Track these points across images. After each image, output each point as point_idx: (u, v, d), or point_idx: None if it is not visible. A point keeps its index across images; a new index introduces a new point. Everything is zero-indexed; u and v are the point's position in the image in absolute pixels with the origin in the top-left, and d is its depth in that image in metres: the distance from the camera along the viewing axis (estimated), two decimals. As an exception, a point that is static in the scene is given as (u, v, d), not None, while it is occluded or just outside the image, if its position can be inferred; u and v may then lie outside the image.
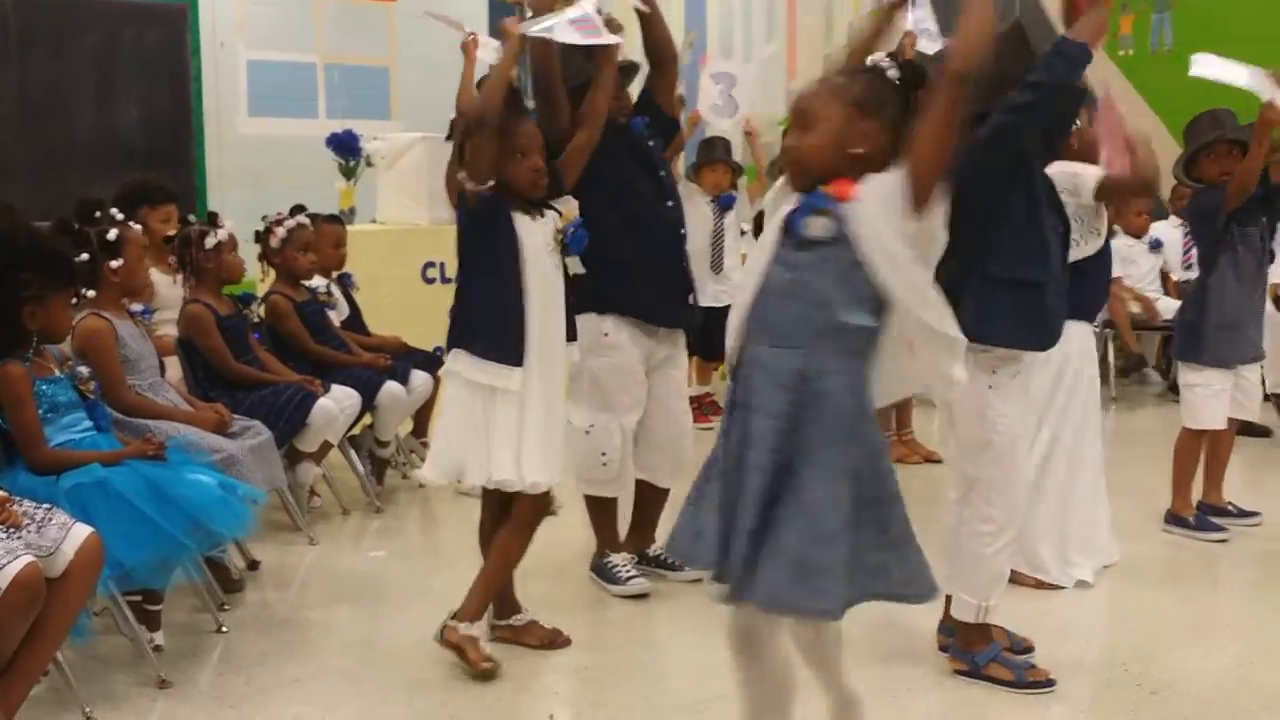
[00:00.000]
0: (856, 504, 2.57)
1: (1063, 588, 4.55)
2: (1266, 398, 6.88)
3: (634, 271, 4.36)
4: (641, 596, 4.48)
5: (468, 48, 3.85)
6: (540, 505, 3.86)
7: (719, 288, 7.08)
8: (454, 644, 3.78)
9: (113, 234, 4.27)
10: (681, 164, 7.66)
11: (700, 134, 7.70)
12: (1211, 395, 5.19)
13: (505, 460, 3.73)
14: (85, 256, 4.06)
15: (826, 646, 2.77)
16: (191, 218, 5.36)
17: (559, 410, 3.92)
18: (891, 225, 2.60)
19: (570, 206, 3.89)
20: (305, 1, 10.53)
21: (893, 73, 2.72)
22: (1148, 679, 3.80)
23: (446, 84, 4.04)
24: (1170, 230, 8.50)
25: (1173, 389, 4.94)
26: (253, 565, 4.83)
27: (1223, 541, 5.16)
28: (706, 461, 2.77)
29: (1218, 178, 5.12)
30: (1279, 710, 3.62)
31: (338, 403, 5.31)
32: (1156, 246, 8.53)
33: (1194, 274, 5.76)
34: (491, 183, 3.68)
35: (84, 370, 3.91)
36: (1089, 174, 4.31)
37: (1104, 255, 4.64)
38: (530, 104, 4.14)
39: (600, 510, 4.65)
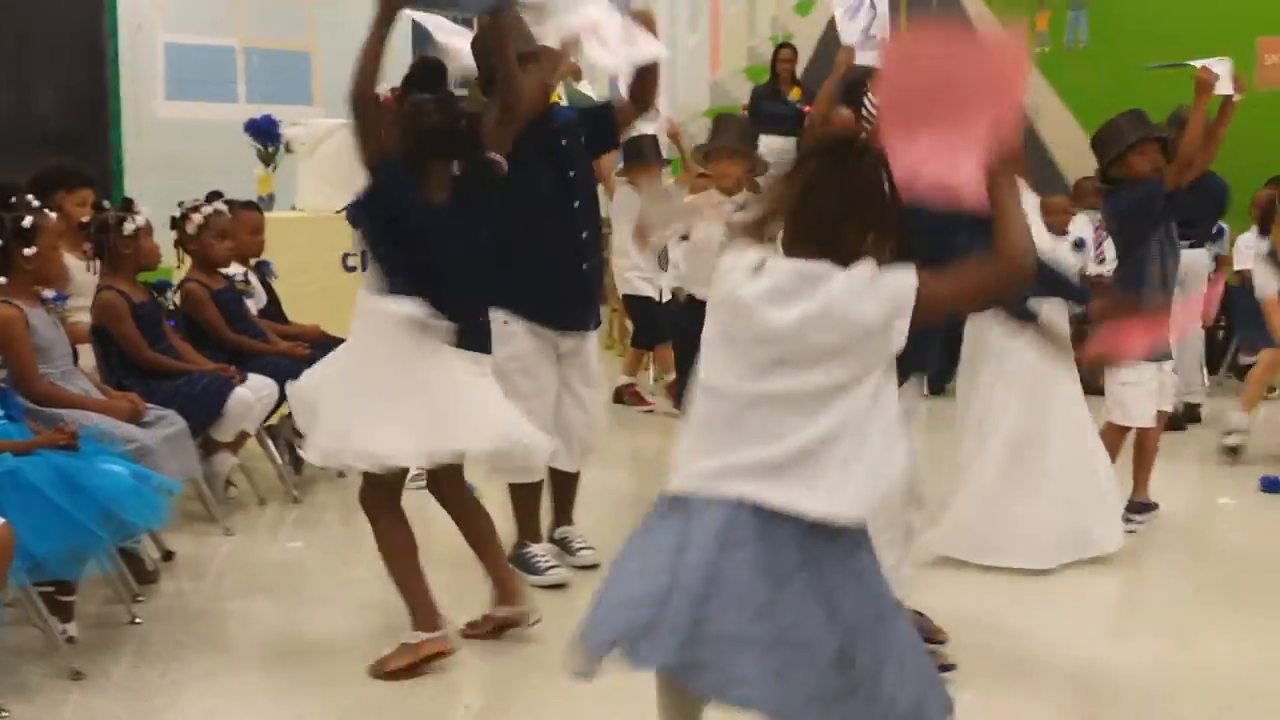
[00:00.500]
0: None
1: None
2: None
3: (526, 269, 4.36)
4: (559, 586, 4.50)
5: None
6: (368, 483, 3.81)
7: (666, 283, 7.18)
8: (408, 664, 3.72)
9: (28, 221, 4.19)
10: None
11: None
12: (1146, 393, 5.20)
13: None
14: (-2, 242, 4.00)
15: None
16: (106, 203, 5.30)
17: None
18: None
19: None
20: (225, -16, 10.40)
21: None
22: (1060, 667, 3.87)
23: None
24: (1085, 227, 8.59)
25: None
26: (167, 556, 4.78)
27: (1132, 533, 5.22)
28: None
29: (1150, 174, 5.13)
30: (1186, 699, 3.71)
31: (255, 392, 5.27)
32: (1080, 245, 8.61)
33: (1105, 268, 5.81)
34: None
35: (-6, 359, 3.86)
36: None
37: None
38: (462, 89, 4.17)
39: (523, 499, 4.65)
